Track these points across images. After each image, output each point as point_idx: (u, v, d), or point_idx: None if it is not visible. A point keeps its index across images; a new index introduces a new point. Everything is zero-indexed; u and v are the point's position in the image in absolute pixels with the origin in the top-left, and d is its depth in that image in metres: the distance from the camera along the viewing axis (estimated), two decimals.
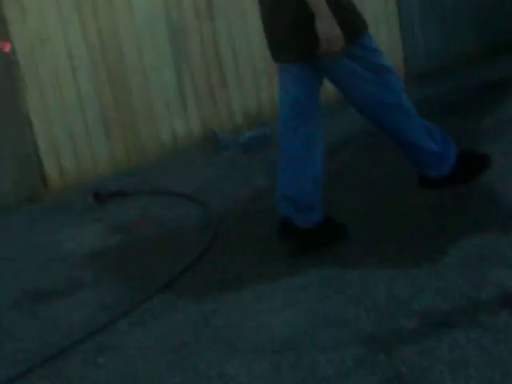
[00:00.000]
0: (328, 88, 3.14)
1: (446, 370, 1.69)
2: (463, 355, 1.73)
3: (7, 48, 3.98)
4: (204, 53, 4.66)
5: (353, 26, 2.77)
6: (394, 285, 2.23)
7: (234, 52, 4.76)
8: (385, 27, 5.08)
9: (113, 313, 2.48)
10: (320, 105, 2.90)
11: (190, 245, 3.10)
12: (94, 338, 2.30)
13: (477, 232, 2.59)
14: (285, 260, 2.70)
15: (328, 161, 2.85)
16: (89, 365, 2.14)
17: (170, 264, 2.89)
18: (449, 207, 2.98)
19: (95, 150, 4.37)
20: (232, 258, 2.86)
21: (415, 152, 2.90)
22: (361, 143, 3.96)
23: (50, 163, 4.22)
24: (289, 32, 2.71)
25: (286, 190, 2.82)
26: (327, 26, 2.68)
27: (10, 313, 2.73)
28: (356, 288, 2.29)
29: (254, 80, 4.87)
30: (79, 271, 3.03)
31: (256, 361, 1.94)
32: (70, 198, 4.06)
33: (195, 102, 4.68)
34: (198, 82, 4.67)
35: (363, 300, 2.18)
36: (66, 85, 4.19)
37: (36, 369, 2.16)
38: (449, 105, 4.48)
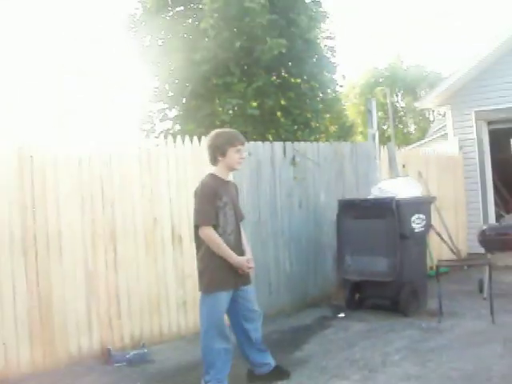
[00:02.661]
0: None
1: None
2: None
3: None
4: (107, 292, 5.77)
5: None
6: None
7: (128, 294, 5.91)
8: None
9: None
10: None
11: None
12: None
13: None
14: None
15: None
16: None
17: None
18: None
19: (20, 354, 5.13)
20: None
21: None
22: None
23: None
24: None
25: None
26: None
27: None
28: None
29: (140, 315, 5.99)
30: None
31: None
32: None
33: (98, 326, 5.67)
34: (101, 312, 5.71)
35: None
36: (7, 305, 5.09)
37: None
38: (270, 342, 5.69)
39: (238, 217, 4.58)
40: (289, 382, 4.72)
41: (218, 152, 4.47)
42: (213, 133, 4.62)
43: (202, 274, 4.45)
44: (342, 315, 7.01)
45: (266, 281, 7.15)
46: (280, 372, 4.76)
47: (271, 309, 6.98)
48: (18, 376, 5.11)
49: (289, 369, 4.86)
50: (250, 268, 4.47)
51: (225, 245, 4.34)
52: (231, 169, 4.57)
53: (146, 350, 5.68)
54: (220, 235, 4.35)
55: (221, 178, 4.51)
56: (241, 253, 4.50)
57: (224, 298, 4.39)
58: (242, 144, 4.54)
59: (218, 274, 4.36)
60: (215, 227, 4.35)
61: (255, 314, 4.64)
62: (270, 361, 4.76)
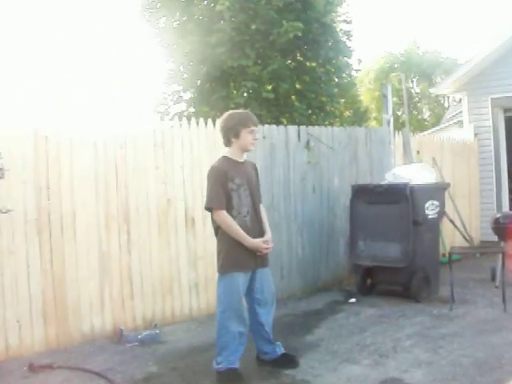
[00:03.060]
0: None
1: None
2: None
3: None
4: (120, 273, 5.83)
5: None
6: None
7: (141, 275, 5.96)
8: None
9: None
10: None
11: None
12: None
13: None
14: None
15: None
16: None
17: None
18: None
19: (34, 333, 5.22)
20: None
21: None
22: None
23: None
24: None
25: None
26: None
27: None
28: None
29: (152, 296, 6.04)
30: None
31: None
32: (10, 367, 4.81)
33: (110, 307, 5.73)
34: (113, 292, 5.77)
35: None
36: (21, 285, 5.17)
37: None
38: (281, 325, 5.80)
39: (256, 197, 4.56)
40: (300, 365, 4.75)
41: (231, 133, 4.47)
42: (225, 114, 4.61)
43: (218, 254, 4.50)
44: (353, 300, 7.02)
45: (278, 265, 7.15)
46: (287, 360, 4.76)
47: (283, 293, 7.03)
48: (32, 354, 5.16)
49: (297, 357, 4.85)
50: (266, 249, 4.47)
51: (238, 227, 4.34)
52: (245, 150, 4.54)
53: (157, 331, 5.72)
54: (234, 217, 4.36)
55: (234, 159, 4.50)
56: (259, 233, 4.49)
57: (240, 278, 4.39)
58: (255, 125, 4.52)
59: (233, 255, 4.39)
60: (229, 209, 4.36)
61: (268, 299, 4.64)
62: (278, 349, 4.77)
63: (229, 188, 4.36)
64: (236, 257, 4.39)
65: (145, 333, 5.66)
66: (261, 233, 4.53)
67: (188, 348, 5.40)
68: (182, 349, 5.39)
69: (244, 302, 4.48)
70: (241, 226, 4.38)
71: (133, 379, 4.59)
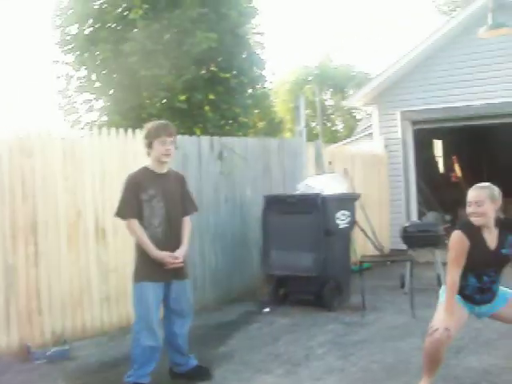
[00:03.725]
0: None
1: None
2: None
3: None
4: (27, 286, 5.58)
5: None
6: None
7: (49, 289, 5.74)
8: None
9: None
10: None
11: None
12: None
13: None
14: None
15: None
16: None
17: None
18: None
19: None
20: None
21: None
22: None
23: None
24: None
25: None
26: None
27: None
28: None
29: (61, 310, 5.83)
30: None
31: None
32: None
33: (16, 322, 5.48)
34: (20, 307, 5.51)
35: None
36: None
37: None
38: (194, 337, 5.51)
39: (173, 210, 4.46)
40: (213, 377, 4.73)
41: (146, 144, 4.44)
42: (145, 125, 4.60)
43: (133, 263, 4.47)
44: (266, 310, 7.06)
45: (191, 276, 6.93)
46: (201, 372, 4.72)
47: (196, 304, 6.83)
48: None
49: (210, 369, 4.83)
50: (172, 264, 4.37)
51: (145, 238, 4.29)
52: (158, 161, 4.44)
53: (67, 347, 5.55)
54: (146, 228, 4.31)
55: (152, 170, 4.45)
56: (174, 246, 4.43)
57: (150, 289, 4.31)
58: (169, 135, 4.41)
59: (144, 265, 4.34)
60: (141, 219, 4.31)
61: (185, 310, 4.60)
62: (192, 361, 4.74)
63: (141, 198, 4.31)
64: (147, 267, 4.33)
65: (53, 349, 5.47)
66: (175, 245, 4.45)
67: (99, 364, 5.27)
68: (92, 365, 5.25)
69: (155, 314, 4.39)
70: (152, 237, 4.32)
71: None
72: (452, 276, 3.86)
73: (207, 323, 6.52)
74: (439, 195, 13.13)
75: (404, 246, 8.37)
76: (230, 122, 13.59)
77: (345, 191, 7.77)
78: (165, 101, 12.27)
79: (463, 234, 3.87)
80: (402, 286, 7.85)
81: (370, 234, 10.16)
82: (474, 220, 3.87)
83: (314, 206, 6.85)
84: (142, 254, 4.36)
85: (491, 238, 3.93)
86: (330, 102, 40.70)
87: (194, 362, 4.75)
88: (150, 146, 4.40)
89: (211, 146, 7.57)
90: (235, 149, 7.88)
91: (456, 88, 10.75)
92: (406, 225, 8.31)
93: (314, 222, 6.86)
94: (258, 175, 8.24)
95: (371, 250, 10.09)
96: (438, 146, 14.86)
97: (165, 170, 4.53)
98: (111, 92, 12.81)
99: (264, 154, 8.35)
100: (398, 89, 11.42)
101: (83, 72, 13.14)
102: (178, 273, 4.48)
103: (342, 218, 7.14)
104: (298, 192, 7.62)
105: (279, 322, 6.52)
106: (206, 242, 7.43)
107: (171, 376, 4.73)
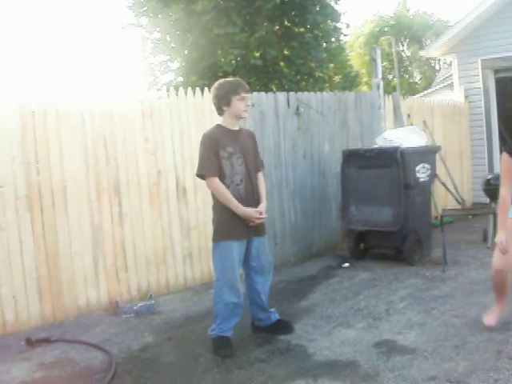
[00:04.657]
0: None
1: None
2: None
3: None
4: (114, 245, 5.85)
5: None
6: None
7: (134, 247, 5.98)
8: None
9: None
10: None
11: (94, 381, 3.92)
12: None
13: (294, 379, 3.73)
14: None
15: None
16: None
17: None
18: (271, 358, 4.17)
19: (30, 308, 5.25)
20: None
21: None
22: None
23: None
24: None
25: None
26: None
27: None
28: None
29: (146, 267, 6.08)
30: None
31: None
32: (7, 342, 4.86)
33: (105, 279, 5.76)
34: (107, 265, 5.79)
35: None
36: (15, 261, 5.18)
37: None
38: (275, 291, 5.83)
39: (252, 166, 4.49)
40: (295, 330, 4.79)
41: (222, 102, 4.42)
42: (216, 84, 4.55)
43: (212, 222, 4.51)
44: (346, 265, 7.07)
45: (271, 232, 7.14)
46: (282, 326, 4.80)
47: (277, 259, 7.04)
48: (29, 329, 5.20)
49: (291, 323, 4.91)
50: (259, 219, 4.41)
51: (230, 195, 4.31)
52: (237, 117, 4.47)
53: (153, 302, 5.76)
54: (227, 186, 4.33)
55: (227, 127, 4.46)
56: (255, 202, 4.45)
57: (233, 247, 4.35)
58: (246, 92, 4.45)
59: (226, 223, 4.36)
60: (222, 177, 4.34)
61: (265, 267, 4.62)
62: (272, 317, 4.80)
63: (220, 156, 4.33)
64: (228, 225, 4.35)
65: (140, 304, 5.69)
66: (256, 202, 4.47)
67: (183, 318, 5.44)
68: (177, 319, 5.42)
69: (237, 272, 4.44)
70: (234, 194, 4.34)
71: (129, 350, 4.62)
72: (500, 192, 4.21)
73: (288, 278, 6.61)
74: None
75: (486, 199, 8.14)
76: (306, 77, 13.42)
77: (424, 144, 7.58)
78: (239, 58, 12.22)
79: (507, 153, 4.20)
80: (485, 240, 7.66)
81: (451, 187, 9.93)
82: None
83: (393, 159, 6.75)
84: (223, 212, 4.38)
85: None
86: (407, 53, 39.58)
87: (275, 316, 4.82)
88: (227, 103, 4.39)
89: (287, 101, 7.53)
90: (311, 104, 7.81)
91: None
92: (489, 177, 8.04)
93: (393, 176, 6.76)
94: (336, 130, 8.15)
95: (453, 204, 9.87)
96: None
97: (238, 127, 4.55)
98: (186, 52, 12.86)
99: (341, 109, 8.24)
100: (478, 36, 10.94)
101: (157, 34, 13.22)
102: (259, 229, 4.49)
103: (421, 172, 7.01)
104: (376, 146, 7.51)
105: (359, 276, 6.52)
106: (285, 198, 7.47)
107: (253, 330, 4.83)
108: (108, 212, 5.87)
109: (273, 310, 4.84)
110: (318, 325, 4.95)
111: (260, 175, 4.64)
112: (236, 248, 4.39)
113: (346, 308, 5.36)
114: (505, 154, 4.24)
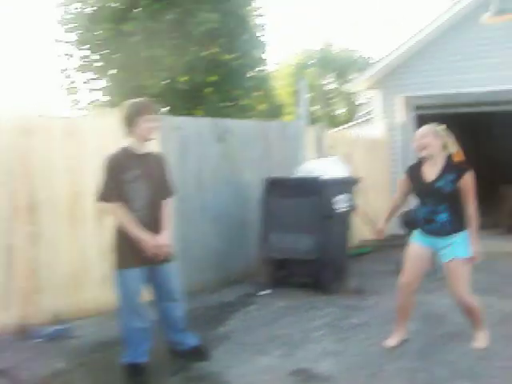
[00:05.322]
0: None
1: None
2: None
3: None
4: (27, 266, 5.61)
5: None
6: None
7: (49, 269, 5.75)
8: None
9: None
10: None
11: None
12: None
13: None
14: None
15: None
16: None
17: None
18: None
19: None
20: None
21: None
22: None
23: None
24: None
25: None
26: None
27: None
28: None
29: (61, 290, 5.85)
30: None
31: None
32: None
33: (16, 301, 5.51)
34: (20, 286, 5.55)
35: None
36: None
37: None
38: (193, 317, 5.69)
39: (157, 192, 4.34)
40: (211, 358, 4.74)
41: (128, 123, 4.24)
42: (124, 104, 4.36)
43: (113, 249, 4.33)
44: (264, 292, 7.07)
45: (190, 257, 7.10)
46: (200, 352, 4.72)
47: (195, 285, 7.00)
48: None
49: (209, 350, 4.83)
50: (157, 248, 4.24)
51: (129, 221, 4.15)
52: (144, 139, 4.28)
53: (66, 326, 5.58)
54: (129, 211, 4.18)
55: (133, 150, 4.28)
56: (157, 230, 4.29)
57: (133, 275, 4.22)
58: (153, 113, 4.28)
59: (127, 250, 4.20)
60: (123, 202, 4.16)
61: (174, 292, 4.51)
62: (189, 340, 4.70)
63: (124, 180, 4.16)
64: (129, 252, 4.19)
65: (53, 328, 5.50)
66: (158, 229, 4.31)
67: (97, 343, 5.28)
68: (91, 344, 5.27)
69: (139, 298, 4.30)
70: (135, 220, 4.19)
71: (39, 376, 4.45)
72: (394, 196, 5.21)
73: (205, 305, 6.55)
74: None
75: (403, 231, 8.36)
76: (231, 104, 13.53)
77: (345, 175, 7.75)
78: (166, 82, 12.20)
79: (405, 172, 4.88)
80: (398, 271, 7.84)
81: (369, 218, 10.15)
82: (419, 152, 4.57)
83: (314, 189, 6.85)
84: (122, 240, 4.22)
85: (432, 171, 4.55)
86: (331, 87, 40.53)
87: (193, 341, 4.73)
88: (133, 124, 4.20)
89: (212, 127, 7.54)
90: (235, 131, 7.85)
91: (458, 74, 10.73)
92: (406, 210, 8.30)
93: (313, 206, 6.86)
94: (258, 158, 8.21)
95: (370, 235, 10.07)
96: None
97: (145, 151, 4.37)
98: (112, 72, 12.74)
99: (264, 137, 8.33)
100: (401, 74, 11.39)
101: (85, 51, 13.05)
102: (161, 257, 4.31)
103: (341, 202, 7.14)
104: (297, 175, 7.61)
105: (277, 304, 6.53)
106: (205, 223, 7.42)
107: (171, 355, 4.74)
108: (23, 231, 5.66)
109: (191, 334, 4.76)
110: (234, 352, 4.92)
111: (167, 202, 4.47)
112: (138, 274, 4.26)
113: (263, 336, 5.36)
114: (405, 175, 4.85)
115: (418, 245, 4.76)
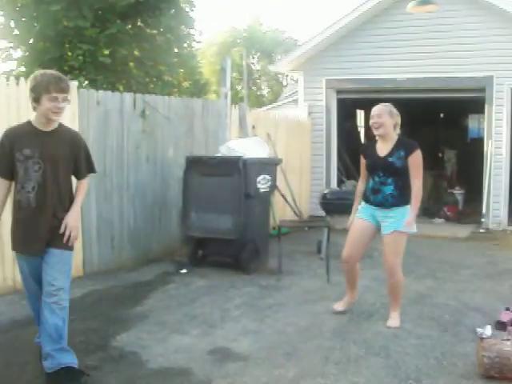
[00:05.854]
0: None
1: None
2: None
3: None
4: None
5: None
6: None
7: None
8: None
9: None
10: None
11: None
12: None
13: None
14: None
15: None
16: None
17: None
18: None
19: None
20: None
21: None
22: None
23: None
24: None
25: None
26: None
27: None
28: None
29: None
30: None
31: None
32: None
33: None
34: None
35: None
36: None
37: None
38: (110, 296, 5.77)
39: (55, 173, 3.83)
40: (128, 337, 4.69)
41: (32, 97, 3.76)
42: (32, 74, 3.86)
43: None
44: (184, 271, 7.05)
45: (108, 235, 7.02)
46: (70, 377, 3.80)
47: (113, 263, 6.95)
48: None
49: (83, 374, 3.85)
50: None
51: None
52: (46, 119, 3.77)
53: None
54: (18, 192, 3.80)
55: (36, 126, 3.82)
56: (50, 214, 3.82)
57: (22, 259, 3.93)
58: (61, 91, 3.72)
59: (14, 234, 3.91)
60: (14, 182, 3.82)
61: (47, 288, 3.79)
62: (61, 360, 3.81)
63: (16, 158, 3.75)
64: (17, 238, 3.90)
65: None
66: (55, 213, 3.84)
67: (10, 322, 5.10)
68: (3, 323, 5.08)
69: (32, 286, 4.00)
70: (22, 201, 3.80)
71: None
72: (358, 184, 5.43)
73: (123, 283, 6.47)
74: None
75: (322, 213, 8.52)
76: (155, 79, 13.31)
77: (267, 155, 7.78)
78: (87, 54, 11.83)
79: (360, 153, 5.25)
80: (319, 251, 8.00)
81: (289, 199, 10.27)
82: (375, 130, 4.88)
83: (235, 168, 6.84)
84: (13, 222, 3.90)
85: (384, 147, 4.90)
86: (257, 67, 40.57)
87: (67, 359, 3.84)
88: (37, 100, 3.72)
89: (134, 103, 7.39)
90: (158, 107, 7.73)
91: (380, 60, 10.96)
92: (325, 192, 8.46)
93: (234, 185, 6.86)
94: (181, 135, 8.14)
95: (290, 215, 10.21)
96: (361, 117, 15.10)
97: (51, 128, 3.86)
98: (31, 41, 12.24)
99: (187, 115, 8.25)
100: (325, 57, 11.51)
101: (0, 18, 12.47)
102: (54, 239, 3.86)
103: (262, 182, 7.18)
104: (219, 154, 7.59)
105: (196, 283, 6.53)
106: (124, 201, 7.30)
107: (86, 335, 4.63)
108: None
109: (69, 349, 3.91)
110: (152, 331, 4.87)
111: (82, 183, 4.07)
112: (25, 261, 3.93)
113: (181, 315, 5.34)
114: (361, 156, 5.17)
115: (359, 219, 5.04)
